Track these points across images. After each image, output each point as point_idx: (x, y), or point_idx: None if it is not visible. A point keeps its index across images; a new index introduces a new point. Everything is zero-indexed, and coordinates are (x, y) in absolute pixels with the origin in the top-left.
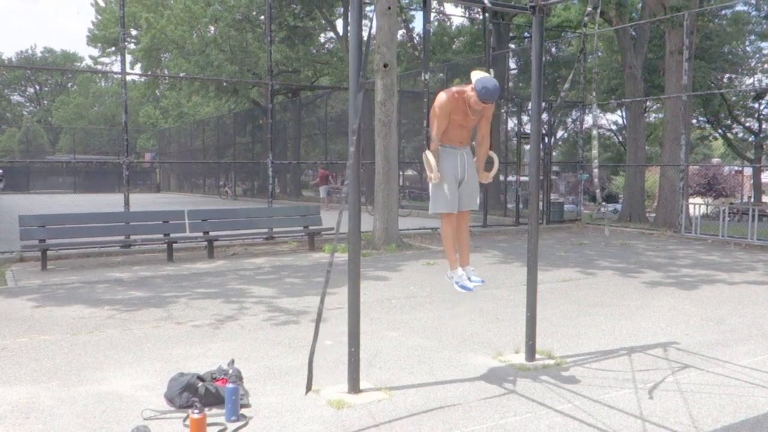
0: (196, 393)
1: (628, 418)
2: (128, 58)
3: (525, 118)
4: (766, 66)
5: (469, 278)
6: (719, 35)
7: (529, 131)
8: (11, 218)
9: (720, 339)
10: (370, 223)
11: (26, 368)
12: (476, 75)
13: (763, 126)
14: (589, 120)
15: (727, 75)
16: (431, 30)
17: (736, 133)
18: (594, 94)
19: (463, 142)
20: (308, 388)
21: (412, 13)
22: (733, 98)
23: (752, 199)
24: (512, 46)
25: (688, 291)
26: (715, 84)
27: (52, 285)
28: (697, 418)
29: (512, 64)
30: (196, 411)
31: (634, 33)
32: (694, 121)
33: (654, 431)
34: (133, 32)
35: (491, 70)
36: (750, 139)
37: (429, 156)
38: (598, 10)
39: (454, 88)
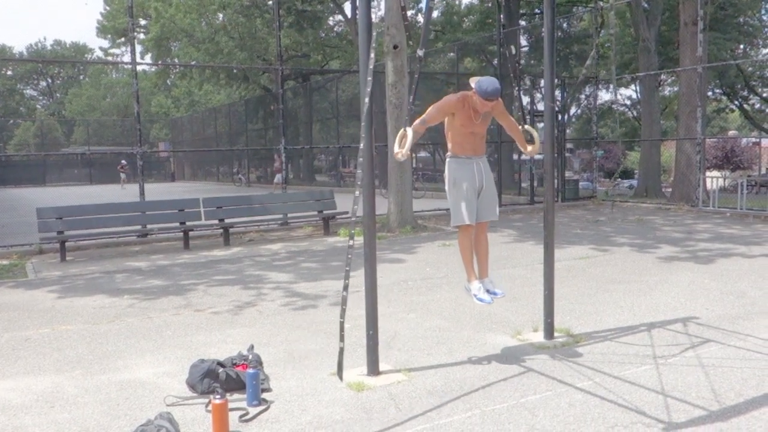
0: (217, 379)
1: (649, 393)
2: (138, 48)
3: (538, 95)
4: None
5: (487, 291)
6: (734, 5)
7: (541, 109)
8: (29, 211)
9: (740, 312)
10: (385, 206)
11: (50, 358)
12: (474, 80)
13: None
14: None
15: (742, 45)
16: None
17: (753, 105)
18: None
19: (476, 151)
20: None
21: None
22: (750, 69)
23: None
24: (522, 23)
25: (707, 265)
26: (731, 55)
27: (72, 276)
28: (720, 392)
29: (523, 41)
30: (218, 396)
31: (646, 5)
32: (710, 93)
33: (676, 406)
34: (142, 22)
35: (511, 46)
36: (767, 110)
37: (408, 131)
38: None
39: (460, 93)
